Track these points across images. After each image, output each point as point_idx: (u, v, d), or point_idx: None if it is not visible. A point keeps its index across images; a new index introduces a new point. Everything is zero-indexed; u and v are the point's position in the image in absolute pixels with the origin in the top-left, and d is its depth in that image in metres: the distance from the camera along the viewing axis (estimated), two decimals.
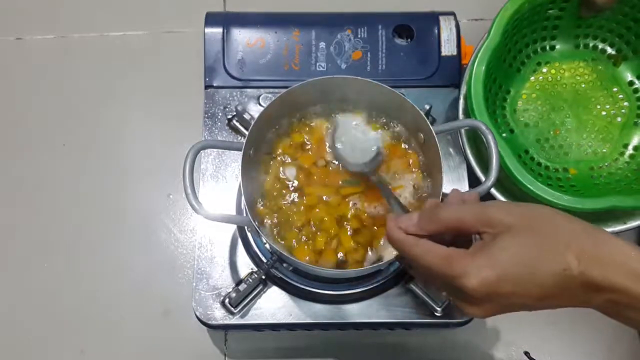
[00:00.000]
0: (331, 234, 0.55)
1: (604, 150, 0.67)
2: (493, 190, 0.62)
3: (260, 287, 0.59)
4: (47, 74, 0.74)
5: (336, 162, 0.58)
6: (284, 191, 0.57)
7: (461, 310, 0.42)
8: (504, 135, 0.66)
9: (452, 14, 0.70)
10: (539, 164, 0.66)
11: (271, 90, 0.67)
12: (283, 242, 0.56)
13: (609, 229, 0.61)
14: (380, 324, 0.59)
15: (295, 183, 0.57)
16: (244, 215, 0.53)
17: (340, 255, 0.55)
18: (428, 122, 0.54)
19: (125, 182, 0.70)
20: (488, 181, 0.51)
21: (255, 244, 0.61)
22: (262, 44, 0.68)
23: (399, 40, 0.69)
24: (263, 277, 0.58)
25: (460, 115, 0.65)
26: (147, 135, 0.72)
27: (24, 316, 0.64)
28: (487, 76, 0.60)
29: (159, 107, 0.73)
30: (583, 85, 0.69)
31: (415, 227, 0.44)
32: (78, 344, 0.64)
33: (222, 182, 0.63)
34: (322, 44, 0.68)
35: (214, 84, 0.67)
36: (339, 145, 0.58)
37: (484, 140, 0.51)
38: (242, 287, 0.58)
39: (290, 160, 0.58)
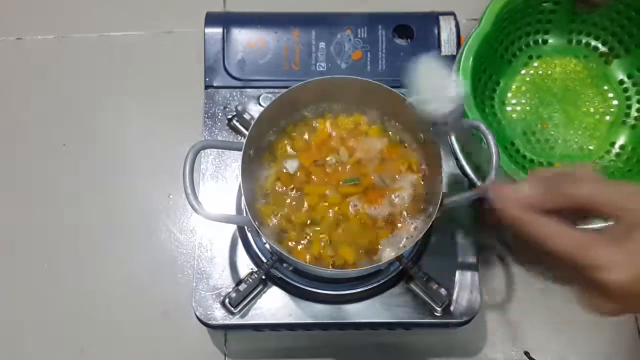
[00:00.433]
0: (331, 232, 0.55)
1: (591, 148, 0.67)
2: None
3: (260, 287, 0.59)
4: (47, 74, 0.74)
5: (334, 161, 0.58)
6: (284, 191, 0.57)
7: (586, 304, 0.38)
8: (491, 126, 0.66)
9: (452, 14, 0.70)
10: (524, 156, 0.66)
11: (271, 90, 0.67)
12: (283, 242, 0.56)
13: (590, 225, 0.61)
14: (380, 324, 0.59)
15: (296, 182, 0.57)
16: (244, 215, 0.53)
17: (340, 254, 0.55)
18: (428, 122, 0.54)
19: (125, 182, 0.70)
20: (488, 181, 0.51)
21: (255, 244, 0.61)
22: (262, 44, 0.68)
23: (399, 40, 0.69)
24: (263, 277, 0.58)
25: None
26: (147, 135, 0.72)
27: (24, 316, 0.64)
28: (476, 65, 0.60)
29: (159, 107, 0.73)
30: (573, 82, 0.69)
31: (539, 199, 0.38)
32: (78, 344, 0.63)
33: (222, 182, 0.63)
34: (322, 44, 0.68)
35: (214, 84, 0.67)
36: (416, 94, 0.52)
37: (484, 140, 0.51)
38: (242, 287, 0.58)
39: (290, 158, 0.58)
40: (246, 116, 0.63)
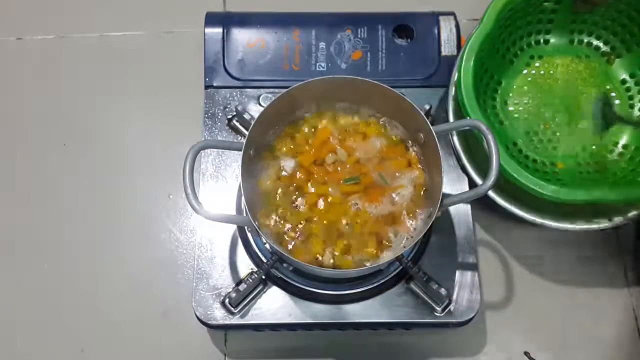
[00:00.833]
0: (331, 232, 0.55)
1: (593, 147, 0.67)
2: (491, 193, 0.62)
3: (260, 287, 0.59)
4: (47, 74, 0.74)
5: (334, 161, 0.58)
6: (284, 191, 0.57)
7: None
8: (493, 126, 0.66)
9: (452, 14, 0.70)
10: (527, 156, 0.66)
11: (271, 90, 0.67)
12: (283, 242, 0.56)
13: (595, 225, 0.61)
14: (380, 324, 0.59)
15: (296, 182, 0.57)
16: (244, 215, 0.53)
17: (340, 255, 0.55)
18: (428, 122, 0.54)
19: (125, 182, 0.70)
20: (487, 182, 0.51)
21: (255, 244, 0.61)
22: (262, 44, 0.68)
23: (399, 40, 0.69)
24: (263, 277, 0.58)
25: (450, 102, 0.65)
26: (147, 135, 0.72)
27: (24, 316, 0.64)
28: (478, 65, 0.60)
29: (159, 107, 0.73)
30: (575, 81, 0.69)
31: None
32: (78, 343, 0.64)
33: (222, 182, 0.63)
34: (322, 44, 0.68)
35: (214, 84, 0.67)
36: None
37: (484, 140, 0.51)
38: (242, 287, 0.58)
39: (290, 158, 0.58)
40: (246, 116, 0.63)
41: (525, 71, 0.69)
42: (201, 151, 0.51)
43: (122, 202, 0.69)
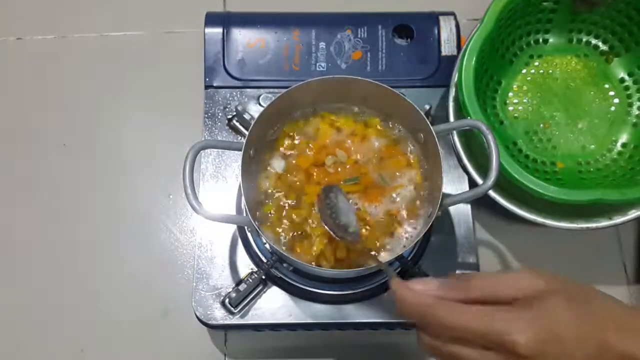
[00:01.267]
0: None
1: (593, 146, 0.67)
2: (491, 192, 0.62)
3: (260, 287, 0.59)
4: (47, 74, 0.74)
5: (333, 161, 0.58)
6: (284, 191, 0.57)
7: None
8: (493, 126, 0.66)
9: (452, 14, 0.70)
10: (527, 156, 0.66)
11: (271, 90, 0.67)
12: (283, 242, 0.55)
13: (594, 224, 0.61)
14: (380, 324, 0.59)
15: (295, 182, 0.57)
16: (244, 215, 0.53)
17: (340, 254, 0.55)
18: (428, 122, 0.54)
19: (125, 182, 0.70)
20: (488, 182, 0.51)
21: (255, 244, 0.61)
22: (262, 44, 0.68)
23: (399, 40, 0.69)
24: (263, 277, 0.58)
25: (450, 103, 0.65)
26: (147, 135, 0.72)
27: (24, 316, 0.64)
28: (478, 65, 0.60)
29: (159, 107, 0.73)
30: (574, 80, 0.69)
31: (439, 293, 0.39)
32: (78, 343, 0.63)
33: (222, 182, 0.63)
34: (322, 44, 0.68)
35: (214, 84, 0.67)
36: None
37: (484, 140, 0.51)
38: (242, 287, 0.58)
39: (290, 158, 0.58)
40: (246, 116, 0.63)
41: (524, 71, 0.69)
42: (201, 151, 0.51)
43: (122, 202, 0.69)
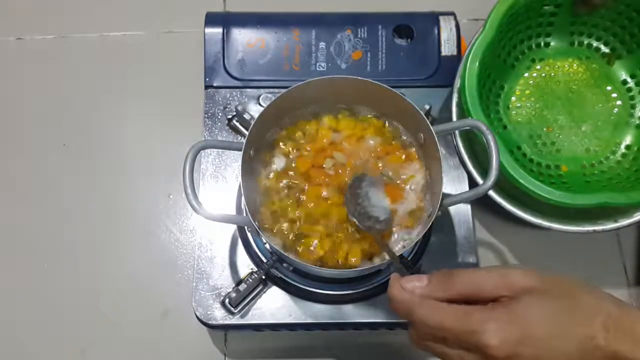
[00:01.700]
0: (331, 232, 0.55)
1: (596, 149, 0.67)
2: (491, 192, 0.62)
3: (260, 287, 0.59)
4: (47, 74, 0.74)
5: (334, 161, 0.58)
6: (284, 191, 0.57)
7: None
8: (497, 130, 0.67)
9: (452, 14, 0.70)
10: (531, 160, 0.66)
11: (271, 90, 0.67)
12: (283, 242, 0.55)
13: (600, 227, 0.61)
14: (380, 324, 0.59)
15: (296, 182, 0.57)
16: (244, 215, 0.53)
17: (340, 254, 0.55)
18: (428, 122, 0.54)
19: (125, 182, 0.70)
20: (488, 182, 0.50)
21: (255, 244, 0.61)
22: (262, 44, 0.68)
23: (399, 40, 0.69)
24: (263, 277, 0.58)
25: (454, 109, 0.64)
26: (147, 135, 0.72)
27: (24, 316, 0.64)
28: (481, 71, 0.60)
29: (159, 107, 0.73)
30: (577, 83, 0.69)
31: (425, 290, 0.41)
32: (78, 344, 0.63)
33: (222, 182, 0.63)
34: (322, 44, 0.68)
35: (214, 84, 0.67)
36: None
37: (485, 140, 0.51)
38: (242, 287, 0.58)
39: (290, 158, 0.58)
40: (246, 116, 0.63)
41: (526, 75, 0.69)
42: (201, 151, 0.51)
43: (122, 202, 0.69)
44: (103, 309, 0.65)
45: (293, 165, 0.58)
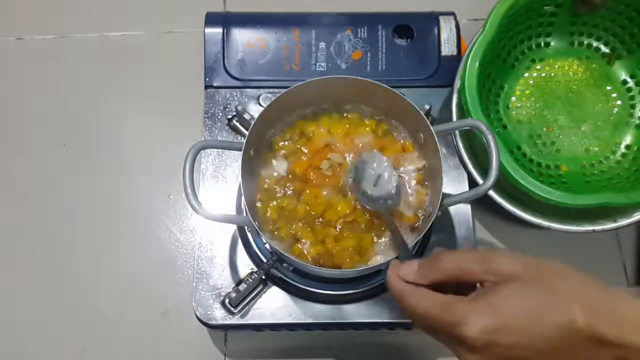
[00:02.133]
0: (331, 233, 0.55)
1: (596, 149, 0.67)
2: (491, 192, 0.62)
3: (260, 287, 0.59)
4: (47, 74, 0.74)
5: (334, 161, 0.58)
6: (284, 191, 0.57)
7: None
8: (496, 130, 0.67)
9: (452, 14, 0.70)
10: (531, 160, 0.66)
11: (271, 90, 0.67)
12: (283, 242, 0.55)
13: (600, 227, 0.61)
14: (380, 324, 0.59)
15: (296, 182, 0.57)
16: (244, 215, 0.53)
17: (340, 255, 0.55)
18: (428, 122, 0.54)
19: (125, 182, 0.70)
20: (488, 182, 0.50)
21: (255, 244, 0.61)
22: (262, 44, 0.68)
23: (399, 40, 0.69)
24: (263, 277, 0.58)
25: (454, 109, 0.64)
26: (147, 135, 0.72)
27: (24, 316, 0.64)
28: (481, 71, 0.60)
29: (159, 107, 0.73)
30: (577, 83, 0.69)
31: (415, 275, 0.42)
32: (78, 344, 0.64)
33: (222, 182, 0.63)
34: (322, 44, 0.68)
35: (214, 84, 0.67)
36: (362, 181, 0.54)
37: (485, 140, 0.51)
38: (242, 287, 0.58)
39: (290, 158, 0.58)
40: (246, 116, 0.63)
41: (526, 75, 0.69)
42: (201, 151, 0.51)
43: (122, 202, 0.69)
44: (103, 309, 0.65)
45: (293, 165, 0.58)
